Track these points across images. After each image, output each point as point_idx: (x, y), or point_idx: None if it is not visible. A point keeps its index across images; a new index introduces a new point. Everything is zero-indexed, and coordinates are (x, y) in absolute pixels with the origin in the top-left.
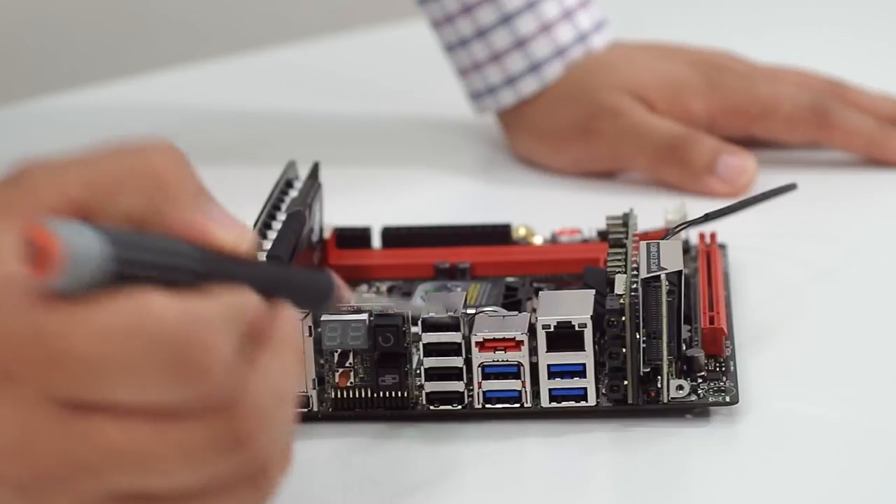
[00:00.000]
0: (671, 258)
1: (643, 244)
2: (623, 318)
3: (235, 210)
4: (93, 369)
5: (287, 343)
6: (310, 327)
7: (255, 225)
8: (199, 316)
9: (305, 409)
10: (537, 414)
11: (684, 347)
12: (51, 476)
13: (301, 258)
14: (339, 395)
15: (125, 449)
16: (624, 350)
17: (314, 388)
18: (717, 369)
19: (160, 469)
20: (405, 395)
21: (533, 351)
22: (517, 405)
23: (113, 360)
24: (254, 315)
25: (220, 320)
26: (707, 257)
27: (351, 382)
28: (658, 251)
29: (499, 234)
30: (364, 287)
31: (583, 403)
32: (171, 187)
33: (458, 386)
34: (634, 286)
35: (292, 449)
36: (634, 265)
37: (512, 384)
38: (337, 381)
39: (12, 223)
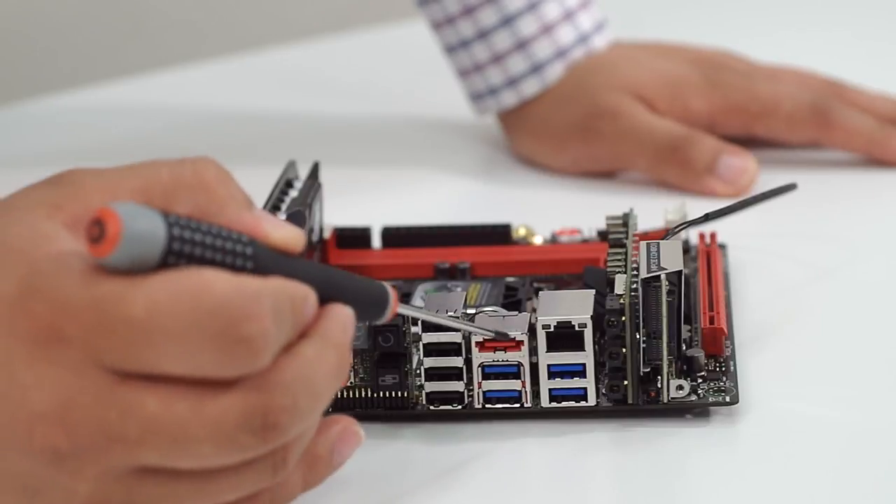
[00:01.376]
0: (671, 258)
1: (643, 244)
2: (623, 318)
3: None
4: (144, 335)
5: (329, 339)
6: None
7: None
8: (251, 292)
9: None
10: (537, 414)
11: (684, 347)
12: (88, 444)
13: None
14: (339, 395)
15: (161, 421)
16: (624, 350)
17: None
18: (717, 369)
19: (192, 445)
20: (405, 395)
21: (533, 351)
22: (517, 405)
23: (164, 326)
24: (305, 307)
25: (272, 300)
26: (707, 257)
27: (351, 382)
28: (658, 251)
29: (499, 234)
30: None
31: (583, 403)
32: (220, 195)
33: (458, 386)
34: (634, 286)
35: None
36: (634, 265)
37: (512, 384)
38: None
39: (62, 219)
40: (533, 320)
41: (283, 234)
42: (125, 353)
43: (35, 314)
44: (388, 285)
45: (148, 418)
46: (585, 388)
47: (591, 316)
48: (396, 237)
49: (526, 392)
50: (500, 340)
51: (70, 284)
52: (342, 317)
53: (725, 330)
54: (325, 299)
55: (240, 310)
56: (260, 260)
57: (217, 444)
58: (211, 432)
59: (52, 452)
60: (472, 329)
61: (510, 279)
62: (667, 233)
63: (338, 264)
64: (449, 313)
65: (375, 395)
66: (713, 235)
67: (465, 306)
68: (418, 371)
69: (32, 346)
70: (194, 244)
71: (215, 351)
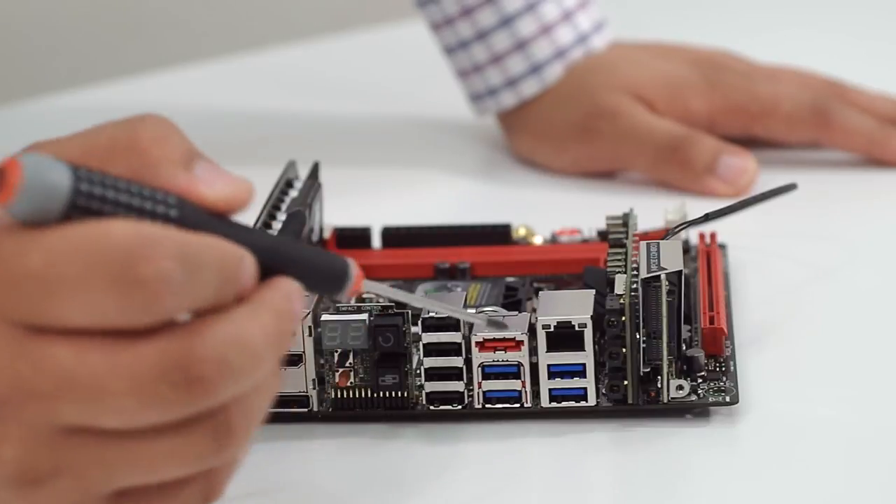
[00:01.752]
0: (671, 258)
1: (643, 244)
2: (623, 318)
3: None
4: (43, 286)
5: (268, 305)
6: (310, 327)
7: (254, 225)
8: (152, 236)
9: (305, 410)
10: (537, 414)
11: (684, 347)
12: (3, 401)
13: None
14: (339, 395)
15: (76, 374)
16: (624, 350)
17: (314, 388)
18: (717, 369)
19: (109, 397)
20: (405, 395)
21: (533, 351)
22: (517, 405)
23: (62, 275)
24: (239, 270)
25: (180, 247)
26: (707, 257)
27: (351, 382)
28: (658, 251)
29: (499, 234)
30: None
31: (583, 403)
32: (154, 156)
33: (458, 386)
34: (634, 286)
35: (263, 417)
36: (634, 265)
37: (512, 384)
38: (337, 381)
39: None
40: (533, 320)
41: (219, 192)
42: (29, 307)
43: None
44: (351, 261)
45: (62, 371)
46: (585, 388)
47: (591, 316)
48: (396, 237)
49: (526, 392)
50: (456, 318)
51: None
52: (286, 287)
53: (725, 330)
54: (271, 271)
55: (137, 250)
56: (186, 215)
57: (136, 397)
58: (128, 384)
59: None
60: (439, 309)
61: (510, 279)
62: (667, 233)
63: None
64: (417, 294)
65: (375, 395)
66: (713, 235)
67: (465, 306)
68: (418, 371)
69: None
70: (104, 200)
71: (115, 296)
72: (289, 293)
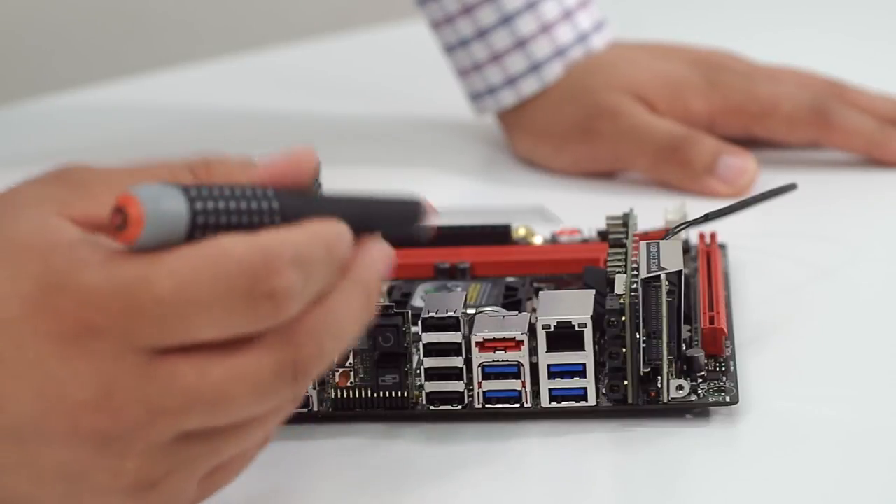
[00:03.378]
0: (671, 258)
1: (643, 244)
2: (623, 318)
3: None
4: (175, 311)
5: (361, 282)
6: None
7: None
8: (268, 247)
9: (305, 410)
10: (537, 414)
11: (684, 347)
12: (133, 424)
13: None
14: (339, 395)
15: (200, 388)
16: (624, 350)
17: (314, 388)
18: (717, 369)
19: (232, 404)
20: (405, 395)
21: (533, 351)
22: (517, 405)
23: (192, 299)
24: (341, 245)
25: (293, 250)
26: (707, 257)
27: (351, 382)
28: (658, 251)
29: (499, 234)
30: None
31: (583, 403)
32: (222, 169)
33: (458, 386)
34: (634, 286)
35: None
36: (634, 265)
37: (512, 384)
38: (337, 381)
39: (71, 216)
40: (533, 320)
41: (291, 160)
42: (160, 332)
43: (60, 311)
44: (418, 196)
45: (187, 388)
46: (585, 388)
47: (591, 316)
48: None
49: (526, 392)
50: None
51: (91, 275)
52: (374, 254)
53: (725, 330)
54: (359, 228)
55: (260, 266)
56: (287, 209)
57: (256, 399)
58: (249, 389)
59: (100, 437)
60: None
61: (510, 279)
62: (667, 233)
63: None
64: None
65: (375, 395)
66: (713, 235)
67: (465, 306)
68: (418, 371)
69: (62, 344)
70: (218, 213)
71: (245, 311)
72: (377, 262)
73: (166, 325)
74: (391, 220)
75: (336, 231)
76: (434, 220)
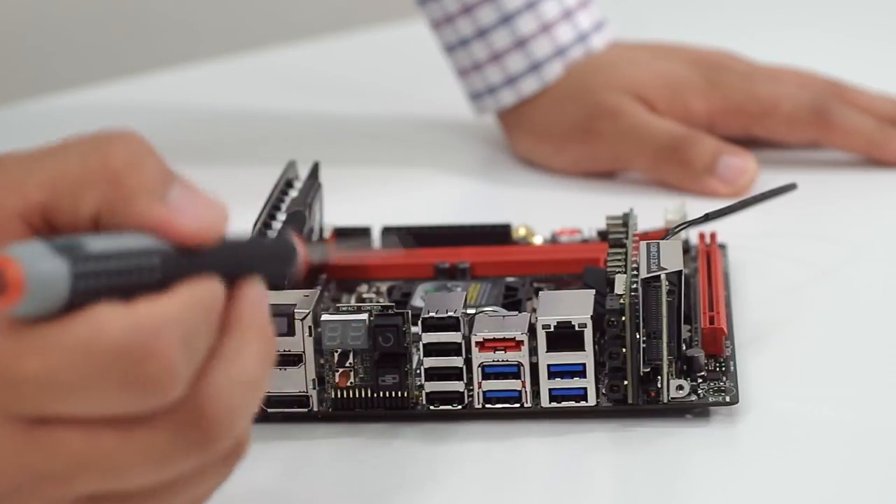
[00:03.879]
0: (671, 258)
1: (643, 244)
2: (623, 318)
3: (235, 210)
4: (45, 388)
5: (251, 327)
6: (310, 327)
7: (254, 225)
8: (147, 328)
9: (305, 410)
10: (537, 414)
11: (684, 347)
12: (15, 488)
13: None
14: (339, 395)
15: (89, 456)
16: (624, 350)
17: (314, 388)
18: (717, 369)
19: (126, 472)
20: (405, 395)
21: (533, 351)
22: (517, 405)
23: (64, 378)
24: (217, 304)
25: (173, 325)
26: (707, 257)
27: (351, 382)
28: (658, 251)
29: (499, 234)
30: (364, 287)
31: (583, 403)
32: (129, 185)
33: (458, 386)
34: (634, 286)
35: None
36: (634, 265)
37: (512, 384)
38: (337, 381)
39: None
40: (533, 320)
41: (196, 224)
42: (31, 406)
43: None
44: (294, 237)
45: (74, 453)
46: (585, 388)
47: (591, 316)
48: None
49: (526, 392)
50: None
51: None
52: (255, 296)
53: (725, 330)
54: (233, 277)
55: (138, 350)
56: (169, 269)
57: (156, 466)
58: (144, 455)
59: None
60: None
61: (510, 279)
62: (667, 233)
63: (338, 264)
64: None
65: (375, 395)
66: (713, 235)
67: (465, 306)
68: (418, 371)
69: None
70: (98, 274)
71: (121, 395)
72: (259, 304)
73: (37, 401)
74: (265, 262)
75: (211, 290)
76: (307, 258)
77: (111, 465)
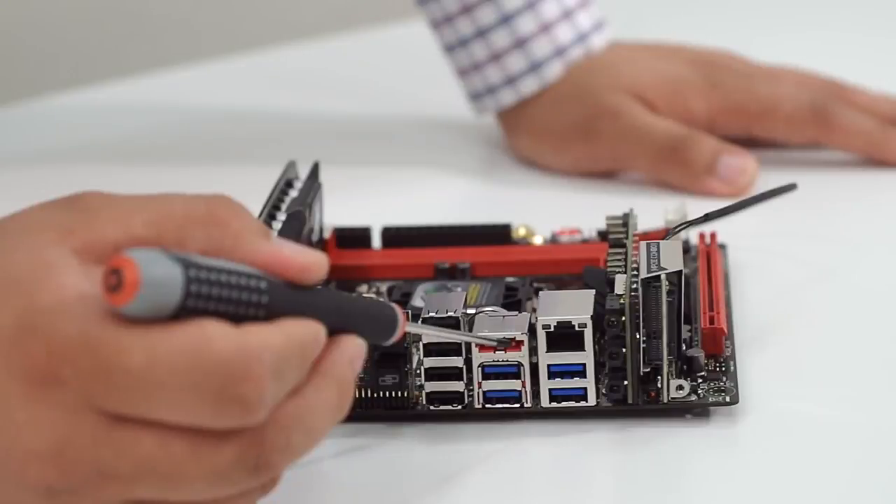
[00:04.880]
0: (671, 258)
1: (643, 244)
2: (623, 318)
3: None
4: (140, 386)
5: (333, 375)
6: None
7: None
8: (252, 350)
9: None
10: (537, 414)
11: (684, 347)
12: (82, 483)
13: None
14: None
15: (157, 460)
16: (624, 350)
17: None
18: (717, 369)
19: (186, 482)
20: (405, 395)
21: (533, 351)
22: (517, 405)
23: (161, 381)
24: (315, 348)
25: (275, 357)
26: (707, 257)
27: None
28: (658, 251)
29: (499, 234)
30: (364, 287)
31: (583, 403)
32: (234, 228)
33: (458, 386)
34: (634, 286)
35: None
36: (634, 265)
37: (512, 384)
38: None
39: (72, 244)
40: (533, 320)
41: (303, 262)
42: (121, 400)
43: (32, 354)
44: (396, 307)
45: (143, 457)
46: (585, 388)
47: (591, 316)
48: (396, 237)
49: (526, 392)
50: (505, 346)
51: (69, 327)
52: (350, 350)
53: (725, 330)
54: (336, 328)
55: (238, 370)
56: (274, 299)
57: (211, 483)
58: (206, 472)
59: (46, 489)
60: (477, 340)
61: (510, 279)
62: (667, 233)
63: (338, 264)
64: (455, 331)
65: (375, 395)
66: (713, 235)
67: (465, 306)
68: (418, 371)
69: (28, 386)
70: (210, 285)
71: (211, 408)
72: (353, 358)
73: (130, 397)
74: (368, 325)
75: (313, 333)
76: (405, 330)
77: (175, 474)
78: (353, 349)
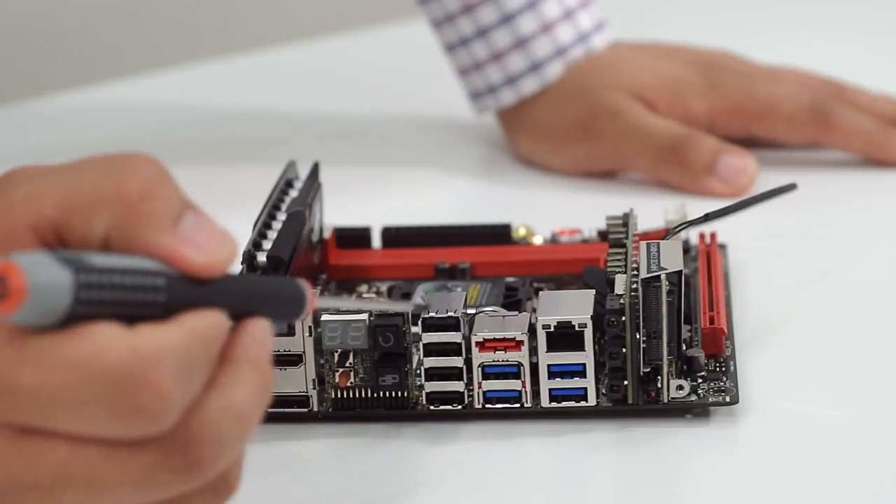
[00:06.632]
0: (671, 258)
1: (643, 244)
2: (623, 318)
3: (235, 210)
4: (38, 402)
5: (249, 362)
6: (310, 327)
7: (254, 225)
8: (148, 355)
9: (305, 410)
10: (537, 414)
11: (684, 347)
12: (0, 494)
13: (301, 258)
14: (339, 395)
15: (75, 470)
16: (624, 350)
17: (314, 388)
18: (717, 369)
19: (109, 490)
20: (405, 395)
21: (533, 351)
22: (517, 405)
23: (56, 397)
24: (219, 339)
25: (174, 355)
26: (707, 257)
27: (351, 382)
28: (658, 251)
29: (499, 234)
30: (364, 287)
31: (583, 403)
32: (141, 212)
33: (458, 386)
34: (634, 286)
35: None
36: (634, 265)
37: (512, 384)
38: (337, 381)
39: None
40: (533, 320)
41: (202, 263)
42: (23, 416)
43: None
44: (305, 283)
45: (58, 466)
46: (585, 388)
47: (591, 316)
48: (396, 237)
49: (526, 392)
50: (419, 313)
51: None
52: (258, 333)
53: (725, 330)
54: (241, 313)
55: (134, 379)
56: (172, 296)
57: (137, 486)
58: (127, 474)
59: None
60: (388, 307)
61: (510, 279)
62: (667, 233)
63: (338, 264)
64: (364, 296)
65: (375, 395)
66: (713, 235)
67: (465, 306)
68: (418, 371)
69: None
70: (102, 289)
71: (113, 419)
72: (263, 341)
73: (31, 413)
74: (274, 305)
75: (214, 323)
76: (315, 306)
77: (94, 480)
78: (262, 331)
